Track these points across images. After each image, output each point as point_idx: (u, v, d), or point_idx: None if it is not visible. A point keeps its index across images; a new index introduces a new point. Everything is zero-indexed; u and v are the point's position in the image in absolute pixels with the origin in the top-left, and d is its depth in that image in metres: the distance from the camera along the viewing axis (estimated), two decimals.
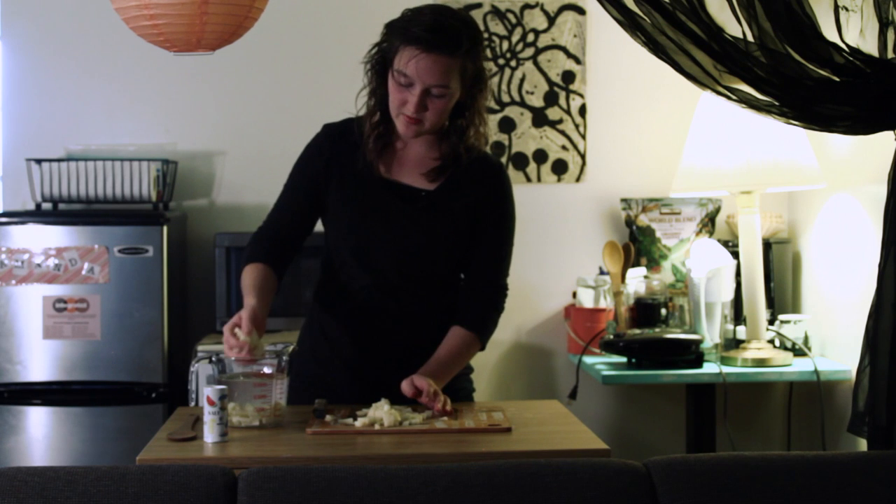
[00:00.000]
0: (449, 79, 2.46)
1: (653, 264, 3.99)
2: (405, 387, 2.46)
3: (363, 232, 2.59)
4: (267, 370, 2.40)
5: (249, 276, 2.58)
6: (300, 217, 2.66)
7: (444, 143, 2.59)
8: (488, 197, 2.63)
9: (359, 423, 2.36)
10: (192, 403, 2.58)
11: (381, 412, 2.37)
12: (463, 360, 2.63)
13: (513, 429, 2.36)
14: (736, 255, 3.68)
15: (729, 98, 2.50)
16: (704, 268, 3.62)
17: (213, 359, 2.41)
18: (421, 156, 2.61)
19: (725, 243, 3.80)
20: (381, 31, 2.55)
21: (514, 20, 4.12)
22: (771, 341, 3.64)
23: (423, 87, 2.46)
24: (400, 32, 2.48)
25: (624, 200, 4.05)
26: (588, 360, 3.71)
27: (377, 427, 2.34)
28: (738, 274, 3.67)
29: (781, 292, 3.90)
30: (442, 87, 2.46)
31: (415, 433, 2.33)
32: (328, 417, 2.41)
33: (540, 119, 4.14)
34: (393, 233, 2.58)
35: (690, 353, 3.54)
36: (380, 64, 2.54)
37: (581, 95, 4.14)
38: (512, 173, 4.09)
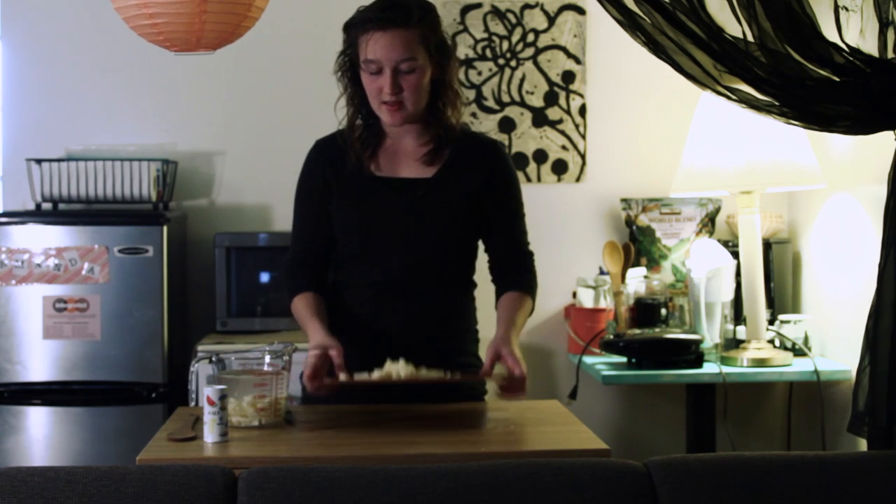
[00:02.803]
0: (412, 51, 2.51)
1: (653, 264, 3.99)
2: (489, 363, 2.48)
3: (369, 232, 2.61)
4: (268, 359, 2.41)
5: (305, 307, 2.62)
6: (321, 235, 2.69)
7: (430, 128, 2.63)
8: (493, 177, 2.66)
9: (375, 374, 2.40)
10: (192, 403, 2.58)
11: (399, 366, 2.41)
12: (525, 316, 2.64)
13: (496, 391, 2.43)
14: (736, 255, 3.68)
15: (729, 98, 2.50)
16: (704, 268, 3.62)
17: (213, 359, 2.41)
18: (412, 147, 2.65)
19: (725, 243, 3.80)
20: (343, 36, 2.60)
21: (514, 20, 4.12)
22: (771, 341, 3.64)
23: (392, 67, 2.51)
24: (356, 25, 2.55)
25: (624, 200, 4.04)
26: (588, 360, 3.71)
27: (395, 377, 2.38)
28: (738, 274, 3.67)
29: (781, 292, 3.90)
30: (409, 61, 2.51)
31: (416, 431, 2.32)
32: (342, 376, 2.42)
33: (540, 119, 4.14)
34: (399, 226, 2.60)
35: (690, 353, 3.53)
36: (350, 69, 2.60)
37: (581, 95, 4.14)
38: None
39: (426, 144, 2.63)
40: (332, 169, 2.65)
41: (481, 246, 2.74)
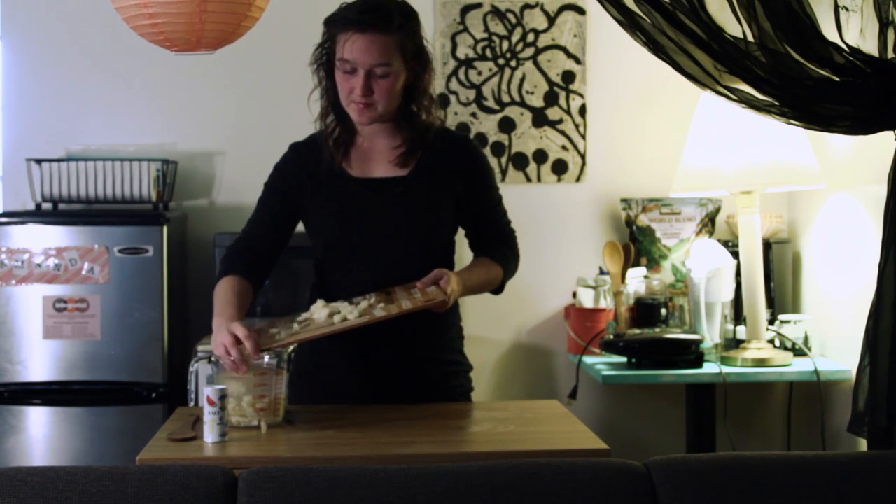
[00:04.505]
0: (388, 57, 2.51)
1: (653, 264, 3.99)
2: (428, 279, 2.51)
3: (349, 233, 2.61)
4: (266, 365, 2.40)
5: (223, 290, 2.57)
6: (274, 231, 2.70)
7: (402, 129, 2.63)
8: (467, 170, 2.68)
9: (296, 327, 2.43)
10: (192, 403, 2.58)
11: (316, 312, 2.44)
12: (483, 275, 2.66)
13: (447, 301, 2.44)
14: (736, 255, 3.68)
15: (729, 98, 2.50)
16: (704, 268, 3.62)
17: (213, 358, 2.41)
18: (385, 147, 2.65)
19: (725, 243, 3.80)
20: (322, 30, 2.60)
21: (514, 20, 4.12)
22: (771, 341, 3.64)
23: (366, 69, 2.51)
24: (336, 23, 2.54)
25: (624, 200, 4.04)
26: (588, 360, 3.71)
27: (313, 329, 2.39)
28: (738, 274, 3.67)
29: (781, 292, 3.90)
30: (384, 66, 2.51)
31: (416, 431, 2.32)
32: (272, 330, 2.44)
33: (540, 119, 4.14)
34: (378, 225, 2.60)
35: (690, 353, 3.53)
36: (326, 63, 2.60)
37: (581, 95, 4.14)
38: (512, 173, 4.11)
39: (399, 146, 2.63)
40: (308, 171, 2.65)
41: (458, 239, 2.76)
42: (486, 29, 4.12)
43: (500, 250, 2.72)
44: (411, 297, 2.46)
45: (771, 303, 3.84)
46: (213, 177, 4.12)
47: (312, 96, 2.67)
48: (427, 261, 2.60)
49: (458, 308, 2.74)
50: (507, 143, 4.13)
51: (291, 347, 2.47)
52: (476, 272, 2.64)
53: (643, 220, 4.01)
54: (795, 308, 3.93)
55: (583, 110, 4.14)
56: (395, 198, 2.61)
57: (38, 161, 3.87)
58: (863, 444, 2.59)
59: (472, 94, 4.11)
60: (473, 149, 2.73)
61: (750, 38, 2.39)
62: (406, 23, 2.54)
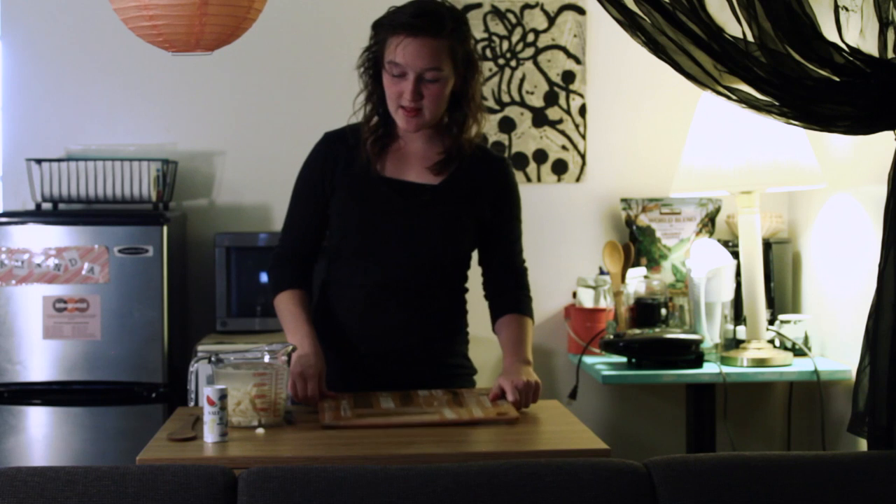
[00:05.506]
0: (439, 61, 2.50)
1: (653, 264, 3.99)
2: (508, 390, 2.48)
3: (371, 231, 2.61)
4: (267, 359, 2.41)
5: (286, 305, 2.63)
6: (314, 229, 2.70)
7: (444, 136, 2.62)
8: (499, 195, 2.67)
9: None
10: (192, 403, 2.58)
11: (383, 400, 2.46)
12: (530, 339, 2.67)
13: (519, 418, 2.39)
14: (736, 255, 3.68)
15: (729, 98, 2.50)
16: (704, 268, 3.62)
17: (213, 358, 2.41)
18: (423, 152, 2.64)
19: (725, 243, 3.80)
20: (370, 33, 2.59)
21: (514, 20, 4.12)
22: (771, 341, 3.64)
23: (416, 74, 2.50)
24: (386, 26, 2.54)
25: (624, 200, 4.05)
26: (588, 360, 3.71)
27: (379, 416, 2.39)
28: (738, 274, 3.67)
29: (781, 292, 3.90)
30: (434, 71, 2.50)
31: (418, 427, 2.32)
32: (328, 403, 2.46)
33: (540, 119, 4.14)
34: (400, 229, 2.60)
35: (690, 353, 3.54)
36: (373, 66, 2.59)
37: (581, 95, 4.14)
38: None
39: (438, 154, 2.62)
40: (339, 164, 2.64)
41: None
42: (486, 29, 4.12)
43: (522, 301, 2.70)
44: (481, 404, 2.46)
45: (771, 303, 3.84)
46: (213, 177, 4.12)
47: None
48: (440, 271, 2.61)
49: (466, 314, 2.75)
50: (507, 143, 4.13)
51: (291, 347, 2.47)
52: (527, 347, 2.64)
53: (643, 220, 4.02)
54: (795, 308, 3.93)
55: (583, 110, 4.14)
56: (421, 205, 2.60)
57: (38, 161, 3.87)
58: (863, 444, 2.58)
59: None
60: (508, 171, 2.71)
61: (750, 38, 2.39)
62: (457, 27, 2.53)
